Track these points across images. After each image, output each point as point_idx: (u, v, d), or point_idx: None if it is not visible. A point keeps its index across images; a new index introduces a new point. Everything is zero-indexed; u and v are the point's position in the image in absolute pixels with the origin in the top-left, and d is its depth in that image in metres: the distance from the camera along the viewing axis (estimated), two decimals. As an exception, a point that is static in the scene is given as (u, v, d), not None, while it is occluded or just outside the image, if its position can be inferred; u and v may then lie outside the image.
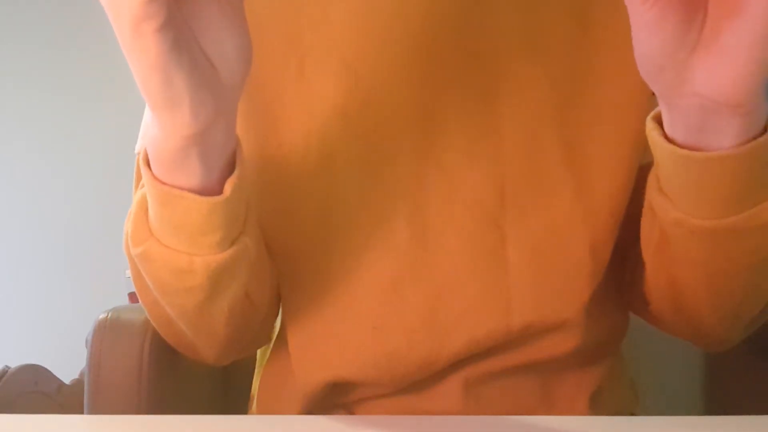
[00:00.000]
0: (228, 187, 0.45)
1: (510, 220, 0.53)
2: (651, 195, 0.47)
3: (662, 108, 0.42)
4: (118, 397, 0.62)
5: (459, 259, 0.53)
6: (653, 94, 0.42)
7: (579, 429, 0.44)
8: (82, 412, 0.65)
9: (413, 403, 0.55)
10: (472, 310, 0.53)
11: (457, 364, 0.54)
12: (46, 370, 0.82)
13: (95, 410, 0.62)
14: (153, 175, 0.45)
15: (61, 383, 0.81)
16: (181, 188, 0.45)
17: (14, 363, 0.78)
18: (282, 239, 0.55)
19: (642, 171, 0.53)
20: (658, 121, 0.44)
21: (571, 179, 0.53)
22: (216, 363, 0.57)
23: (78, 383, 0.79)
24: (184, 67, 0.39)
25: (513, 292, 0.53)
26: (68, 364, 0.86)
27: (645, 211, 0.50)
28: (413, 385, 0.54)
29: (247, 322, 0.54)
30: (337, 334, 0.54)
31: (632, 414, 0.60)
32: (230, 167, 0.46)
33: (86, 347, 0.63)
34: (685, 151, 0.41)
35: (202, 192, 0.45)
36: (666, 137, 0.43)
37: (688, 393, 0.84)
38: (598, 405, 0.56)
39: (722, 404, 0.80)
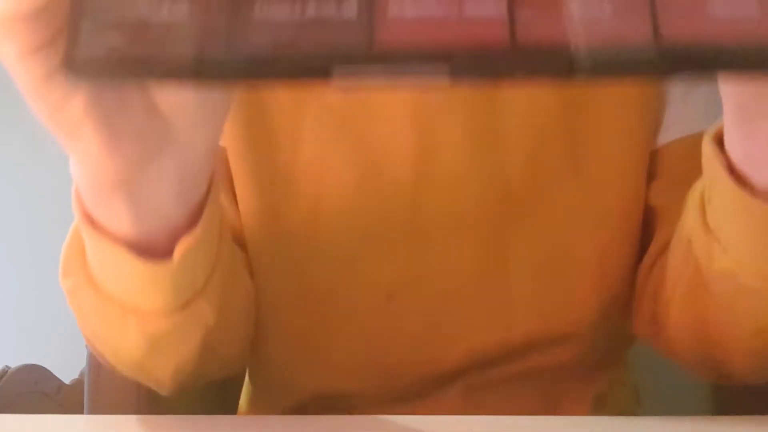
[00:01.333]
0: (178, 253, 0.37)
1: (512, 229, 0.51)
2: (691, 229, 0.41)
3: (738, 130, 0.34)
4: (118, 397, 0.61)
5: (459, 271, 0.51)
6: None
7: (579, 429, 0.44)
8: (82, 412, 0.65)
9: (411, 411, 0.54)
10: (472, 321, 0.52)
11: (457, 373, 0.53)
12: (46, 370, 0.82)
13: (95, 410, 0.62)
14: (81, 202, 0.37)
15: (61, 383, 0.81)
16: (114, 237, 0.36)
17: (14, 363, 0.78)
18: (267, 248, 0.52)
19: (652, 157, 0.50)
20: (720, 141, 0.36)
21: (578, 186, 0.50)
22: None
23: (78, 383, 0.79)
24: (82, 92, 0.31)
25: (515, 304, 0.51)
26: (68, 364, 0.86)
27: (678, 240, 0.44)
28: (411, 394, 0.53)
29: (207, 370, 0.48)
30: (330, 347, 0.53)
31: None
32: (193, 216, 0.38)
33: (86, 347, 0.62)
34: (762, 204, 0.34)
35: (141, 247, 0.37)
36: (730, 166, 0.35)
37: (690, 393, 0.83)
38: (600, 411, 0.55)
39: (729, 404, 0.80)
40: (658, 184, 0.51)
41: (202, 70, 0.26)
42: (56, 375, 0.81)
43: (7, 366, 0.75)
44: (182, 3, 0.26)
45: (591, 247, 0.51)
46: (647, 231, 0.52)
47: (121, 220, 0.36)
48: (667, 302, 0.48)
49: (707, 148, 0.37)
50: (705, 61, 0.25)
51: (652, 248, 0.51)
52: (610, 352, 0.55)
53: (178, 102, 0.33)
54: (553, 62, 0.25)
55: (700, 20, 0.25)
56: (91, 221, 0.37)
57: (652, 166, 0.51)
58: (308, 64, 0.26)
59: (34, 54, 0.29)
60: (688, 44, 0.25)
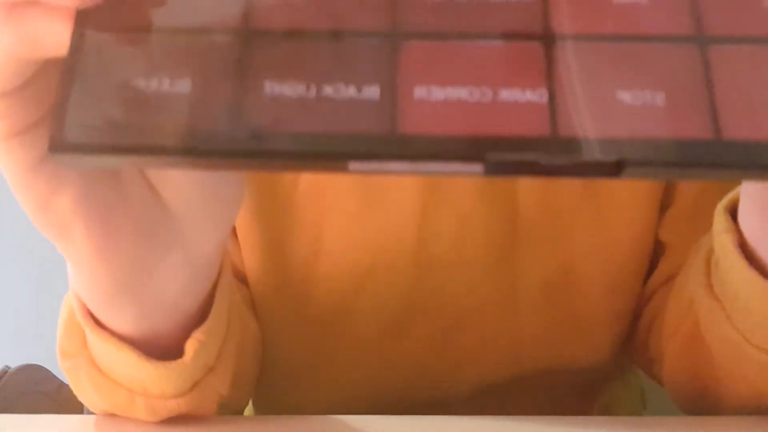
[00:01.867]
0: (190, 350, 0.36)
1: (522, 256, 0.50)
2: (694, 290, 0.40)
3: (757, 209, 0.33)
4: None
5: (466, 300, 0.50)
6: None
7: (580, 429, 0.44)
8: (82, 412, 0.65)
9: None
10: (480, 351, 0.51)
11: (465, 398, 0.53)
12: (46, 370, 0.81)
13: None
14: (76, 296, 0.35)
15: (61, 383, 0.80)
16: (119, 336, 0.34)
17: (14, 363, 0.77)
18: (269, 280, 0.50)
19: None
20: (734, 212, 0.35)
21: (589, 216, 0.49)
22: None
23: (78, 383, 0.79)
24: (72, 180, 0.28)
25: (525, 332, 0.50)
26: (68, 364, 0.86)
27: (679, 294, 0.44)
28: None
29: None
30: (334, 375, 0.52)
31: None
32: (203, 305, 0.36)
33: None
34: None
35: (149, 343, 0.35)
36: (742, 242, 0.34)
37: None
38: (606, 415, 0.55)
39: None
40: (669, 217, 0.50)
41: (204, 148, 0.24)
42: (56, 375, 0.81)
43: (7, 366, 0.75)
44: (185, 76, 0.24)
45: (602, 276, 0.50)
46: (653, 263, 0.51)
47: (125, 321, 0.34)
48: (662, 347, 0.47)
49: (719, 219, 0.36)
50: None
51: (654, 279, 0.50)
52: (619, 367, 0.55)
53: (184, 192, 0.30)
54: (596, 157, 0.23)
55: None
56: (92, 317, 0.35)
57: (665, 197, 0.50)
58: (322, 149, 0.24)
59: (18, 137, 0.27)
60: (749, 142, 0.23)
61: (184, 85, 0.24)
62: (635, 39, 0.25)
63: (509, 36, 0.25)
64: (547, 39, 0.25)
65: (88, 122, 0.24)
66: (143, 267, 0.31)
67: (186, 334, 0.36)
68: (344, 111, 0.24)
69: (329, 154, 0.23)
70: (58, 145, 0.24)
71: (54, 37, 0.25)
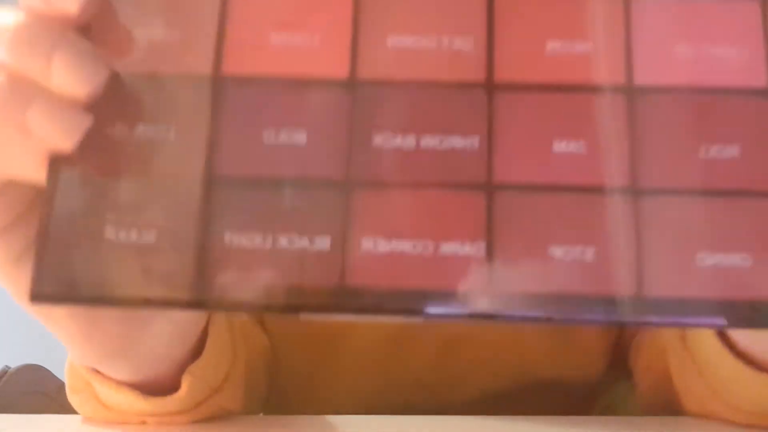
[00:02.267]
0: (185, 386, 0.37)
1: None
2: (668, 339, 0.41)
3: None
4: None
5: None
6: None
7: (580, 429, 0.44)
8: (82, 413, 0.65)
9: None
10: (482, 360, 0.51)
11: (467, 409, 0.52)
12: (46, 370, 0.81)
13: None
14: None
15: (61, 383, 0.80)
16: (117, 382, 0.36)
17: (14, 363, 0.77)
18: None
19: None
20: None
21: None
22: None
23: (78, 383, 0.79)
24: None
25: (526, 344, 0.51)
26: (68, 364, 0.86)
27: (650, 342, 0.44)
28: None
29: None
30: (336, 387, 0.53)
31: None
32: (196, 345, 0.37)
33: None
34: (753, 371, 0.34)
35: (144, 385, 0.37)
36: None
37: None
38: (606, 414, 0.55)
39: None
40: None
41: (171, 297, 0.26)
42: (56, 375, 0.81)
43: (7, 366, 0.75)
44: (151, 227, 0.26)
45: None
46: None
47: (119, 375, 0.36)
48: (636, 373, 0.48)
49: None
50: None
51: None
52: (621, 373, 0.55)
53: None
54: (529, 312, 0.25)
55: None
56: (90, 366, 0.36)
57: None
58: (273, 302, 0.25)
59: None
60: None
61: (149, 236, 0.26)
62: (570, 190, 0.25)
63: (453, 186, 0.26)
64: (489, 189, 0.26)
65: (61, 275, 0.26)
66: (129, 339, 0.33)
67: (183, 369, 0.37)
68: (297, 262, 0.25)
69: (281, 306, 0.25)
70: (37, 297, 0.26)
71: (28, 176, 0.27)
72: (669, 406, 0.45)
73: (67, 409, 0.43)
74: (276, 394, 0.56)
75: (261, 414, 0.60)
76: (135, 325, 0.33)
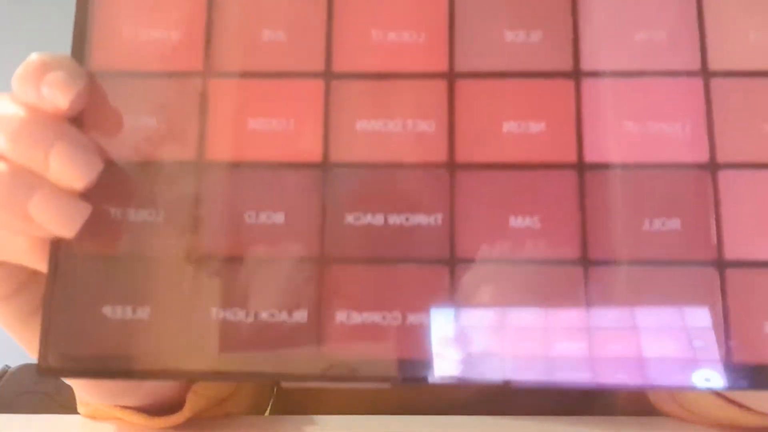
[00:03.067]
0: (188, 409, 0.38)
1: None
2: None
3: None
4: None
5: None
6: None
7: (580, 429, 0.44)
8: (81, 412, 0.65)
9: None
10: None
11: (468, 407, 0.53)
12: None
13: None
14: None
15: (61, 383, 0.80)
16: (121, 408, 0.38)
17: (14, 363, 0.77)
18: None
19: None
20: None
21: None
22: None
23: (77, 381, 0.79)
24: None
25: None
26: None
27: None
28: None
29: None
30: (337, 391, 0.54)
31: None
32: None
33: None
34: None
35: (148, 407, 0.38)
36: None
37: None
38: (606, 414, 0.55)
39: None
40: None
41: (167, 369, 0.28)
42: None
43: (7, 366, 0.75)
44: (145, 304, 0.28)
45: None
46: None
47: (125, 403, 0.38)
48: None
49: None
50: None
51: None
52: None
53: None
54: (486, 377, 0.27)
55: None
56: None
57: None
58: (258, 370, 0.27)
59: (3, 302, 0.30)
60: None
61: (143, 312, 0.28)
62: (527, 262, 0.27)
63: (419, 261, 0.28)
64: (452, 263, 0.28)
65: (65, 351, 0.28)
66: (129, 390, 0.35)
67: (187, 388, 0.39)
68: (277, 334, 0.27)
69: (264, 374, 0.28)
70: (44, 371, 0.28)
71: (26, 261, 0.29)
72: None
73: (67, 408, 0.43)
74: (279, 394, 0.57)
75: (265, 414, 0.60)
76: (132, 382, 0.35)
